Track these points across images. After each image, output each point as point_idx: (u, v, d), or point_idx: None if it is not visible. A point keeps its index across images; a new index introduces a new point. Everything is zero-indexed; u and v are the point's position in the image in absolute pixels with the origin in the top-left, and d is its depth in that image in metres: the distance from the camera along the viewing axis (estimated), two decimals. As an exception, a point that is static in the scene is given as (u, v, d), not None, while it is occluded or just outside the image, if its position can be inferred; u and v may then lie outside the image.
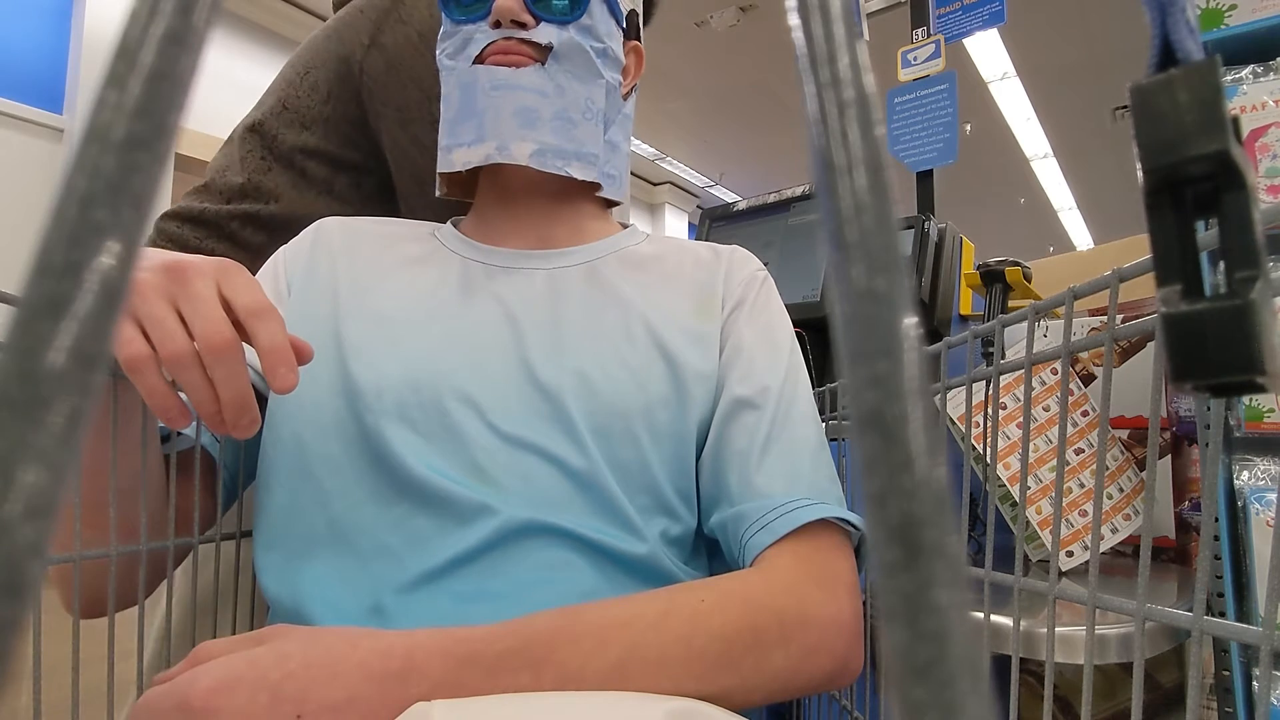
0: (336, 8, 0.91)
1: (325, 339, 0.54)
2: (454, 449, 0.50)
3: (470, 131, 0.57)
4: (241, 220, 0.81)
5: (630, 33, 0.64)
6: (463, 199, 0.67)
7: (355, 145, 0.81)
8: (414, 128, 0.77)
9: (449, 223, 0.65)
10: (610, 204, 0.68)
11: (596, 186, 0.63)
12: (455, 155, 0.57)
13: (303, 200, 0.81)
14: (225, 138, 0.89)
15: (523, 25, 0.56)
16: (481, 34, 0.57)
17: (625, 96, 0.64)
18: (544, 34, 0.57)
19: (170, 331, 0.39)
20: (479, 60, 0.57)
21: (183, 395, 0.41)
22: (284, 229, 0.78)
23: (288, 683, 0.35)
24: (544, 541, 0.48)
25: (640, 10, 0.67)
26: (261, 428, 0.54)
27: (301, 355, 0.43)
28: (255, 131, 0.83)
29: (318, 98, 0.81)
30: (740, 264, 0.62)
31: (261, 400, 0.54)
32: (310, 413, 0.52)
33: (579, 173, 0.59)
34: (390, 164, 0.80)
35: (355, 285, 0.58)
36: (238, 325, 0.41)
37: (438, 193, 0.64)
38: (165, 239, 0.84)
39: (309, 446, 0.51)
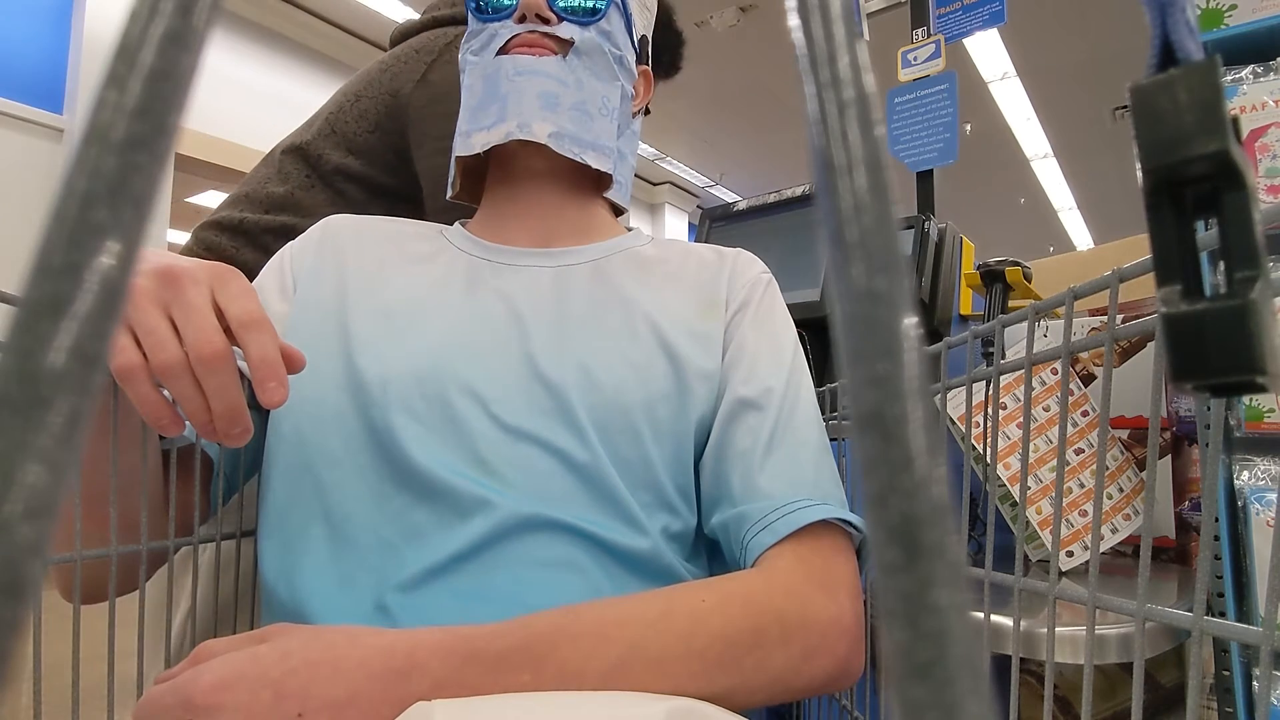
0: (393, 43, 0.96)
1: (331, 333, 0.55)
2: (456, 440, 0.50)
3: (492, 115, 0.58)
4: (275, 233, 0.84)
5: (642, 57, 0.67)
6: (471, 204, 0.68)
7: (395, 173, 0.86)
8: (450, 156, 0.81)
9: (456, 224, 0.65)
10: (616, 211, 0.68)
11: (605, 186, 0.64)
12: (475, 138, 0.59)
13: None
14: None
15: (546, 21, 0.59)
16: (506, 29, 0.59)
17: (635, 115, 0.66)
18: (565, 30, 0.59)
19: (162, 341, 0.38)
20: (503, 52, 0.58)
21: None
22: None
23: (289, 680, 0.35)
24: (545, 536, 0.48)
25: (651, 38, 0.70)
26: (265, 426, 0.54)
27: (293, 364, 0.43)
28: (300, 151, 0.87)
29: (365, 125, 0.86)
30: (745, 267, 0.62)
31: None
32: (312, 407, 0.52)
33: (594, 161, 0.60)
34: (424, 188, 0.84)
35: (362, 280, 0.58)
36: (230, 333, 0.40)
37: (449, 194, 0.65)
38: (203, 247, 0.87)
39: (309, 442, 0.52)
